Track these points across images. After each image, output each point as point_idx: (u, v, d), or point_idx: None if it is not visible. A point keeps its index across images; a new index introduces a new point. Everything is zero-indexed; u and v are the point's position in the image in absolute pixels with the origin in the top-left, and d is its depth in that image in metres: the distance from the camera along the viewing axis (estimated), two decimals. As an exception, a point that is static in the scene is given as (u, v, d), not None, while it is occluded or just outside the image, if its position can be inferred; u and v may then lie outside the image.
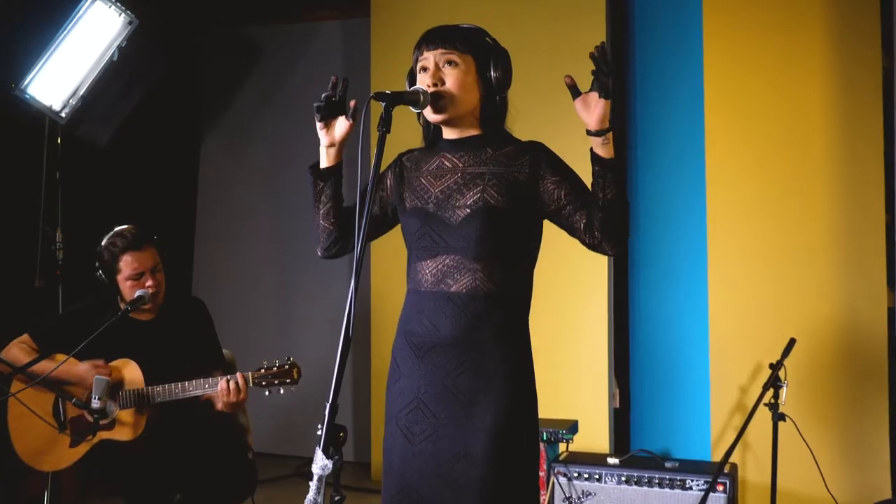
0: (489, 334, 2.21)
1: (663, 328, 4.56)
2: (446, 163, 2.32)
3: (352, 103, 2.28)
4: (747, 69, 4.22)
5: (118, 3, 4.22)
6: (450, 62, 2.24)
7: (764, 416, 3.57)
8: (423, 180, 2.33)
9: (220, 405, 3.20)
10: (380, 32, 4.90)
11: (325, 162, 2.36)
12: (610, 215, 2.15)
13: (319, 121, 2.30)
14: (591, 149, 2.13)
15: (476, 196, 2.24)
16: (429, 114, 2.26)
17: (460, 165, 2.30)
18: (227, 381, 3.17)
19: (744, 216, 4.21)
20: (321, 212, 2.40)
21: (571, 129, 4.45)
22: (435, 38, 2.27)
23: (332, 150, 2.35)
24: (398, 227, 2.40)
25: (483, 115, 2.31)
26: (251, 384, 3.21)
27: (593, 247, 2.22)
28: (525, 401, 2.25)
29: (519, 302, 2.28)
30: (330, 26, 5.52)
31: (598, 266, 4.39)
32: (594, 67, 2.04)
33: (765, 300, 4.15)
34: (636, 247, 4.69)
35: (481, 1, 4.58)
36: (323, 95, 2.27)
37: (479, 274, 2.21)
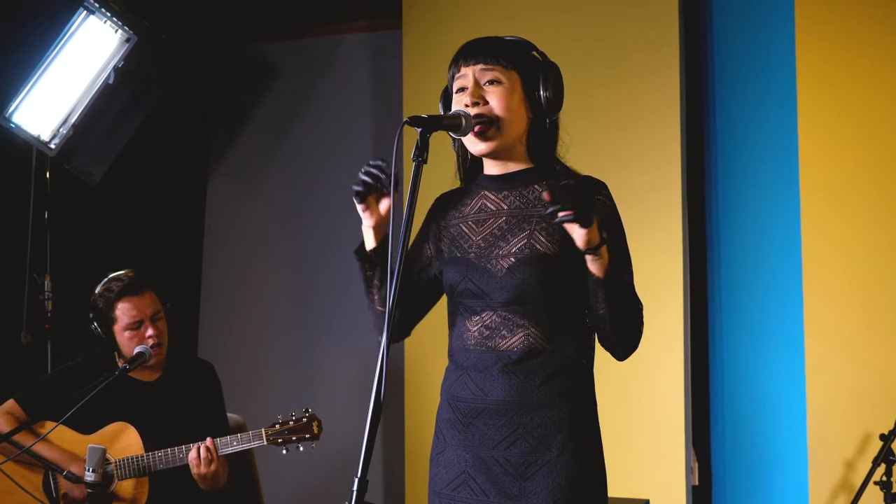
0: (544, 397, 2.22)
1: (751, 390, 4.51)
2: (489, 204, 2.33)
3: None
4: (850, 91, 4.18)
5: (114, 19, 4.23)
6: (492, 80, 2.25)
7: (874, 496, 3.51)
8: (463, 227, 2.35)
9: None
10: (413, 45, 4.95)
11: (370, 243, 2.32)
12: (605, 330, 2.22)
13: (360, 202, 2.25)
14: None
15: (522, 243, 2.25)
16: (472, 143, 2.27)
17: (504, 207, 2.31)
18: (198, 448, 3.21)
19: (845, 261, 4.15)
20: (376, 298, 2.37)
21: (635, 158, 4.53)
22: (474, 51, 2.28)
23: (377, 230, 2.31)
24: None
25: (531, 143, 2.32)
26: (265, 442, 3.25)
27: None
28: (589, 476, 2.25)
29: (579, 360, 2.28)
30: (356, 40, 5.59)
31: (671, 317, 4.36)
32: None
33: (872, 358, 4.09)
34: (717, 294, 4.66)
35: (531, 10, 4.63)
36: (363, 177, 2.22)
37: (531, 330, 2.23)
